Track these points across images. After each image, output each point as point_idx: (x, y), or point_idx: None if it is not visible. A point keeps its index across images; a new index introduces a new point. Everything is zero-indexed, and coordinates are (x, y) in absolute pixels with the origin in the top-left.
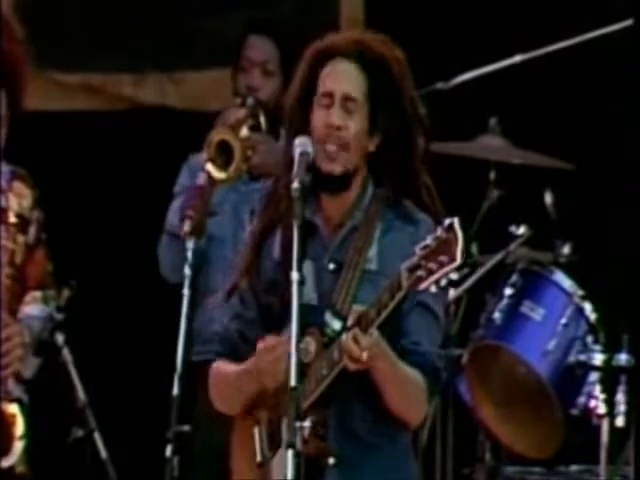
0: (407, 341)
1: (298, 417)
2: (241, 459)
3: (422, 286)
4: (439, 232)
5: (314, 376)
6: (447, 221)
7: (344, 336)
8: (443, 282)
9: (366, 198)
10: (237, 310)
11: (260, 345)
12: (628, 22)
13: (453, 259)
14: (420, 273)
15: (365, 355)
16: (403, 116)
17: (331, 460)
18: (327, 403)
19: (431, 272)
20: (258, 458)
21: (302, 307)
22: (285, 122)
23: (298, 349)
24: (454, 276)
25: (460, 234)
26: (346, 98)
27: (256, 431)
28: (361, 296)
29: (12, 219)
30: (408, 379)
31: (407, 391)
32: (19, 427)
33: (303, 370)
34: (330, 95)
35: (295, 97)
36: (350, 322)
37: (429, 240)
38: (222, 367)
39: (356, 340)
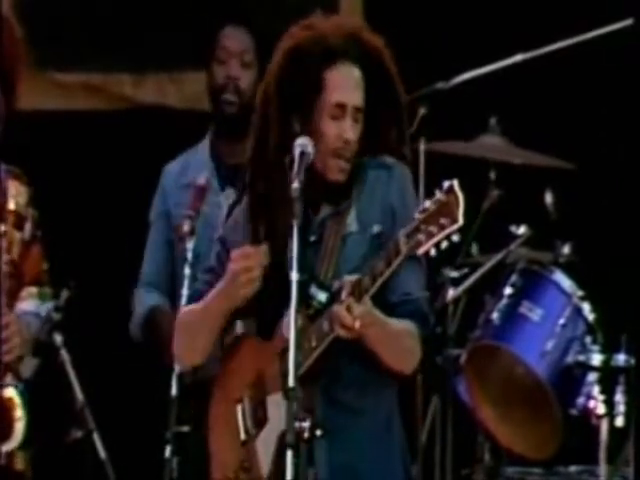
0: (397, 294)
1: (297, 418)
2: (220, 438)
3: (422, 249)
4: (438, 195)
5: (302, 349)
6: (446, 183)
7: (335, 306)
8: (443, 245)
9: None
10: (211, 265)
11: (235, 252)
12: (628, 22)
13: (455, 220)
14: (420, 237)
15: (358, 323)
16: (395, 102)
17: (318, 432)
18: (316, 377)
19: (431, 235)
20: (242, 436)
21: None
22: (273, 109)
23: (297, 349)
24: (455, 238)
25: (461, 195)
26: (356, 109)
27: (239, 408)
28: (344, 261)
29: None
30: (399, 334)
31: (399, 346)
32: (18, 411)
33: (287, 347)
34: (342, 107)
35: (297, 95)
36: (344, 294)
37: (428, 204)
38: (186, 308)
39: (349, 309)
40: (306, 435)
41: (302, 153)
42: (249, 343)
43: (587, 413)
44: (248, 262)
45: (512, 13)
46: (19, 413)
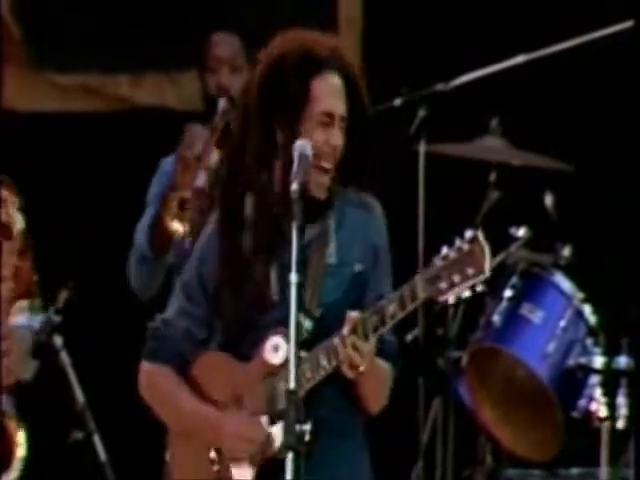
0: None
1: (298, 420)
2: (184, 458)
3: (443, 297)
4: (459, 243)
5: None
6: (469, 233)
7: (335, 340)
8: (465, 294)
9: None
10: (184, 306)
11: (240, 424)
12: (628, 23)
13: (481, 271)
14: (441, 284)
15: (366, 362)
16: (364, 116)
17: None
18: (308, 403)
19: (454, 284)
20: (212, 455)
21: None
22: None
23: (297, 351)
24: (479, 288)
25: (486, 246)
26: (342, 118)
27: None
28: (325, 291)
29: None
30: (384, 377)
31: (381, 388)
32: (20, 443)
33: (271, 371)
34: (331, 115)
35: (281, 105)
36: (346, 330)
37: (447, 251)
38: (165, 380)
39: (356, 348)
40: (307, 438)
41: (301, 155)
42: (218, 361)
43: (589, 415)
44: (246, 446)
45: (513, 15)
46: (21, 446)
